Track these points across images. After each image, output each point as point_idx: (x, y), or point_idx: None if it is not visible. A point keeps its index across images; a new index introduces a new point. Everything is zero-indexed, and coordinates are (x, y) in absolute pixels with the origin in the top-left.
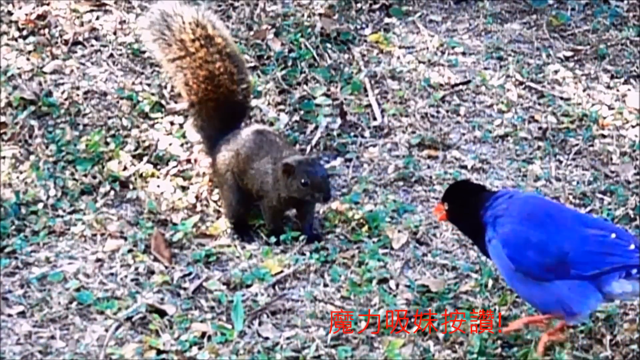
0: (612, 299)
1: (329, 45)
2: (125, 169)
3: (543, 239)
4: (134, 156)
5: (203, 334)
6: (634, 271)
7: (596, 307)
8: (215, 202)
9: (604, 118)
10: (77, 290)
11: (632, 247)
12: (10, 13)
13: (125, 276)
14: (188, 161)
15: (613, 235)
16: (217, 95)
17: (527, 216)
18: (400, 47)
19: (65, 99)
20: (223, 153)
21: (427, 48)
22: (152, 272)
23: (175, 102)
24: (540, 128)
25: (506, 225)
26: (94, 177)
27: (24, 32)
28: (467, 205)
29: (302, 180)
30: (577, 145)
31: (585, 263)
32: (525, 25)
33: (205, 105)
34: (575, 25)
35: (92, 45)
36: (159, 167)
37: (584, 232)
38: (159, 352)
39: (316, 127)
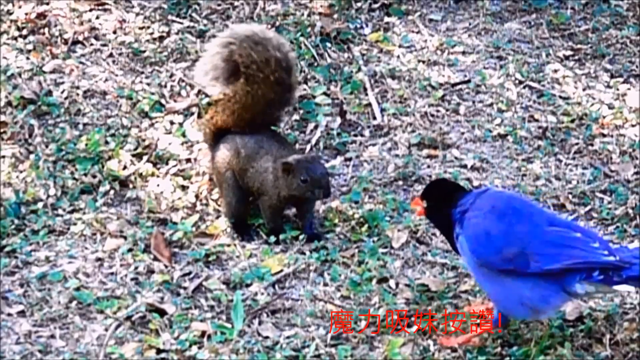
0: (579, 298)
1: (328, 44)
2: (125, 168)
3: (503, 230)
4: (133, 155)
5: (203, 333)
6: (595, 273)
7: (560, 305)
8: (215, 201)
9: (604, 117)
10: (77, 289)
11: (597, 245)
12: (10, 12)
13: (125, 275)
14: (188, 160)
15: (577, 234)
16: (273, 86)
17: (491, 209)
18: (400, 47)
19: (65, 99)
20: (223, 152)
21: (427, 47)
22: (152, 272)
23: (175, 102)
24: (540, 127)
25: (471, 219)
26: (94, 177)
27: (24, 31)
28: (442, 203)
29: (302, 177)
30: (577, 144)
31: (544, 255)
32: (525, 25)
33: (255, 94)
34: (575, 25)
35: (92, 45)
36: (158, 166)
37: (547, 227)
38: (159, 351)
39: (316, 127)
